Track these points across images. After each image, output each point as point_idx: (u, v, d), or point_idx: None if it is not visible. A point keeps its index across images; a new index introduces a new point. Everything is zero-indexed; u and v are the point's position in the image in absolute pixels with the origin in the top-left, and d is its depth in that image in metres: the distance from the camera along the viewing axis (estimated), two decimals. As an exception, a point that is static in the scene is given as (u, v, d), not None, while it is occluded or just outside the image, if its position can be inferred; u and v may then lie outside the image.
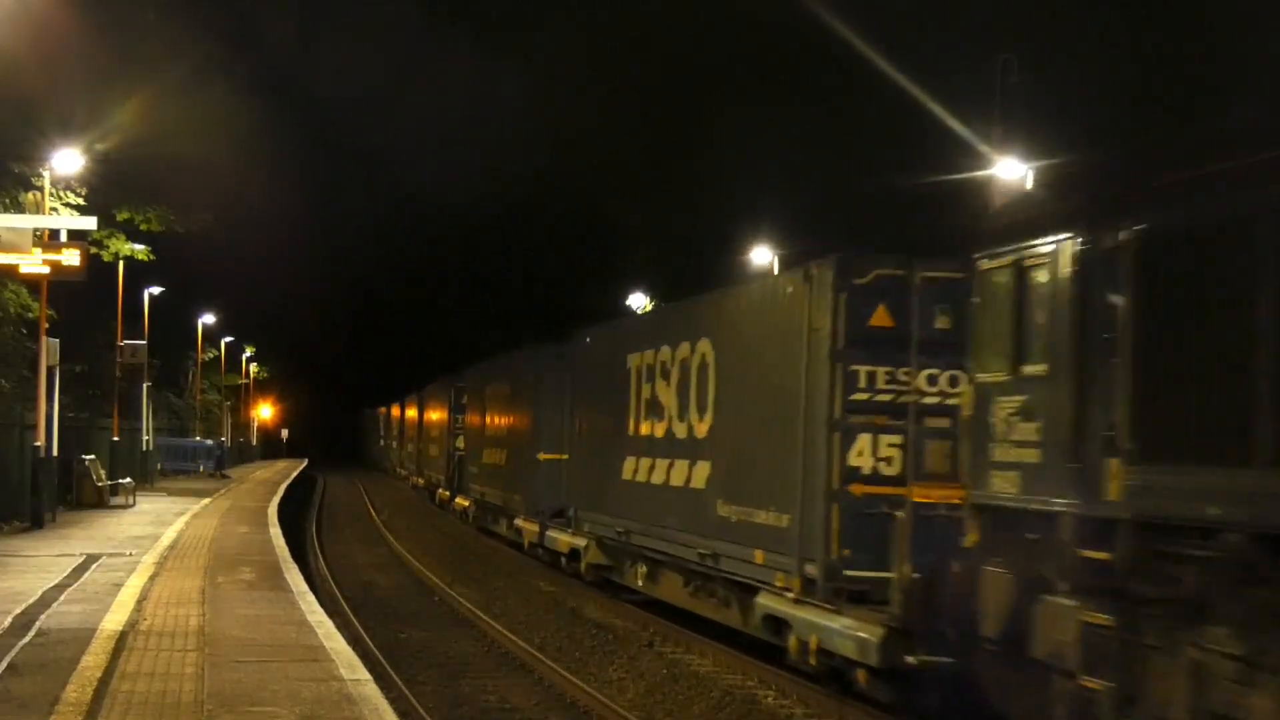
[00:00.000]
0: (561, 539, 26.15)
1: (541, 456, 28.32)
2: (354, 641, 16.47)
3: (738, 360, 17.67)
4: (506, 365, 34.31)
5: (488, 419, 35.84)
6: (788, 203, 50.74)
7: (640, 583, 21.71)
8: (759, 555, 16.20)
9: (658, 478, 20.29)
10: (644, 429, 21.08)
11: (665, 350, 20.38)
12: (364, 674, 12.39)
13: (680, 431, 19.46)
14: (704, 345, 18.76)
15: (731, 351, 17.91)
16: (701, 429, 18.63)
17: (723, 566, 17.54)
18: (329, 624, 15.55)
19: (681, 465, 19.28)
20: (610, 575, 23.73)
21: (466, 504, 40.09)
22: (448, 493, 46.01)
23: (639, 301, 56.06)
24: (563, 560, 26.33)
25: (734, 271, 42.24)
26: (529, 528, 29.08)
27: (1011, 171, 25.69)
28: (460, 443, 43.24)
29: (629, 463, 21.70)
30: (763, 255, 42.95)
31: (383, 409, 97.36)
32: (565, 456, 26.96)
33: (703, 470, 18.51)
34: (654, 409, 20.63)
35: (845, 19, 36.84)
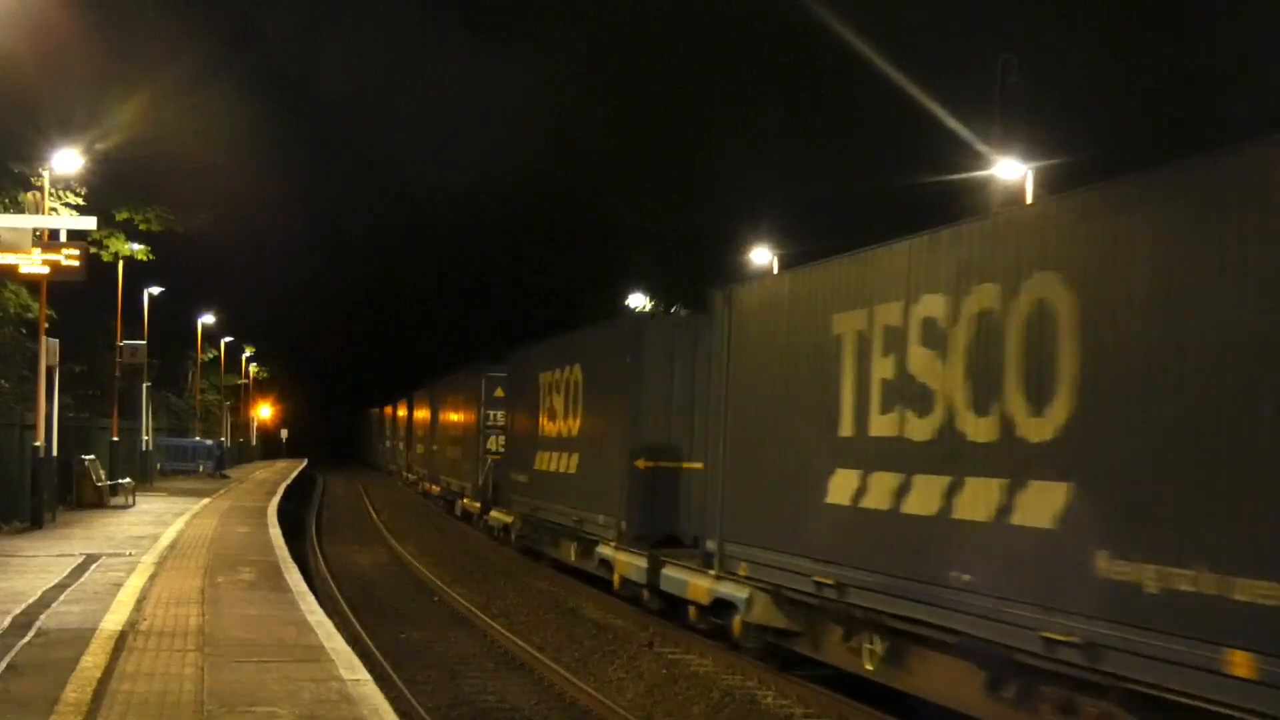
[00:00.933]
0: (697, 584, 18.38)
1: (641, 464, 21.54)
2: (354, 641, 16.47)
3: (1163, 294, 10.24)
4: (579, 344, 26.71)
5: (544, 415, 28.10)
6: (788, 203, 50.83)
7: (869, 665, 14.44)
8: (1240, 661, 9.28)
9: (919, 505, 13.12)
10: (878, 426, 14.03)
11: (932, 301, 13.14)
12: (364, 674, 12.37)
13: (978, 430, 12.31)
14: (1041, 282, 11.50)
15: (1117, 288, 10.67)
16: (1041, 427, 11.48)
17: (1113, 667, 10.44)
18: (329, 624, 15.53)
19: (982, 487, 12.18)
20: (790, 644, 16.45)
21: (508, 519, 32.24)
22: (478, 504, 38.15)
23: (638, 301, 56.07)
24: (691, 611, 18.89)
25: (736, 271, 42.26)
26: (628, 561, 21.40)
27: (1011, 171, 25.70)
28: (495, 444, 36.75)
29: (841, 479, 14.61)
30: (762, 255, 42.96)
31: (389, 408, 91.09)
32: (694, 465, 20.40)
33: (1049, 496, 11.26)
34: (903, 393, 13.65)
35: (846, 19, 36.89)
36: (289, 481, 56.15)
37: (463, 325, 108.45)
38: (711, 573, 17.83)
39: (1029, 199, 24.08)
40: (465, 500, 41.31)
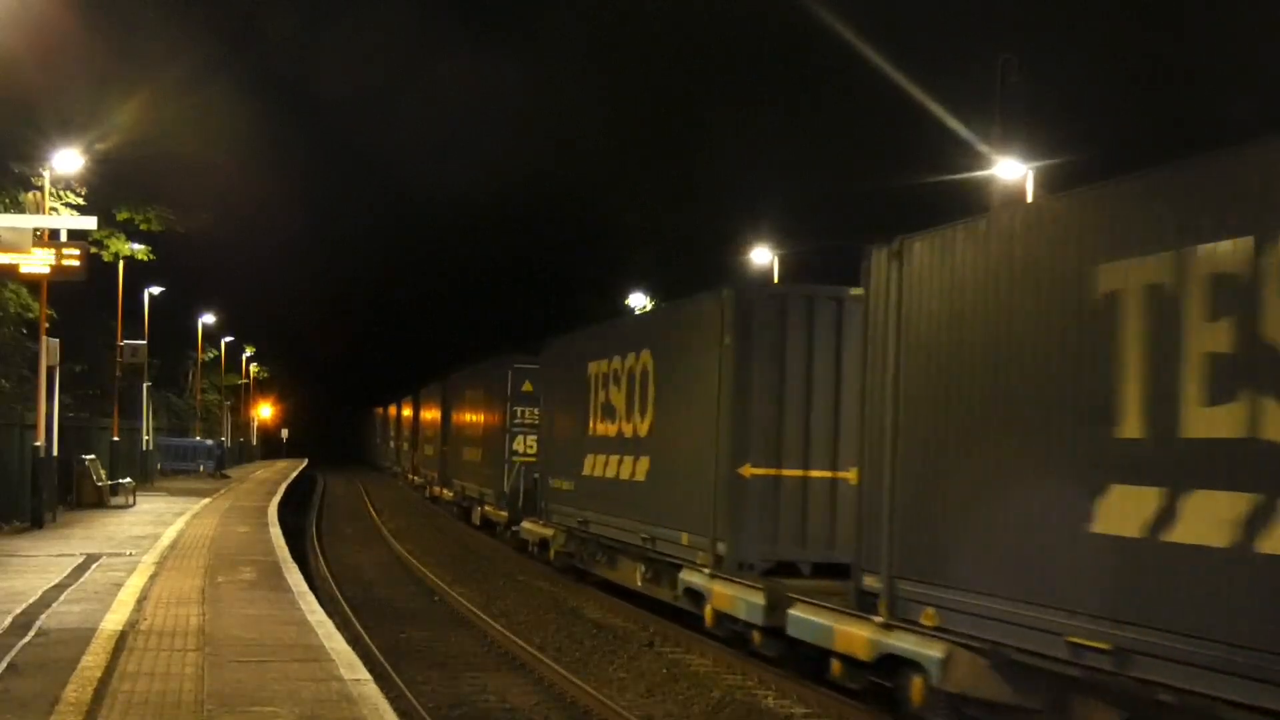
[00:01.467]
0: (852, 632, 13.80)
1: (747, 472, 17.49)
2: (354, 641, 16.48)
3: None
4: (649, 326, 23.27)
5: (596, 412, 24.12)
6: (788, 203, 50.90)
7: None
8: None
9: None
10: (1202, 422, 9.70)
11: None
12: (364, 674, 12.38)
13: None
14: None
15: None
16: None
17: None
18: (329, 624, 15.54)
19: None
20: None
21: (546, 533, 27.68)
22: (504, 514, 34.08)
23: (639, 301, 56.09)
24: (835, 665, 14.35)
25: (735, 271, 42.24)
26: (732, 595, 17.10)
27: (1011, 171, 25.71)
28: (524, 445, 33.28)
29: (1122, 499, 10.28)
30: (763, 255, 42.96)
31: (392, 407, 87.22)
32: (818, 473, 17.17)
33: None
34: (1257, 373, 9.33)
35: (846, 19, 36.90)
36: (289, 481, 56.18)
37: (463, 325, 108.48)
38: (876, 619, 13.32)
39: (1029, 200, 24.06)
40: (487, 508, 36.52)
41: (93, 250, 32.02)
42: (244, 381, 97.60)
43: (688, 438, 19.37)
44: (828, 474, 17.08)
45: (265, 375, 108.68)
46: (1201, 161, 10.14)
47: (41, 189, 30.18)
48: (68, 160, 30.25)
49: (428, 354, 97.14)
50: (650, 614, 21.14)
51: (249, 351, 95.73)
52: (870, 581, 13.56)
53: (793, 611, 15.19)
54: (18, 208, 30.49)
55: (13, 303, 32.67)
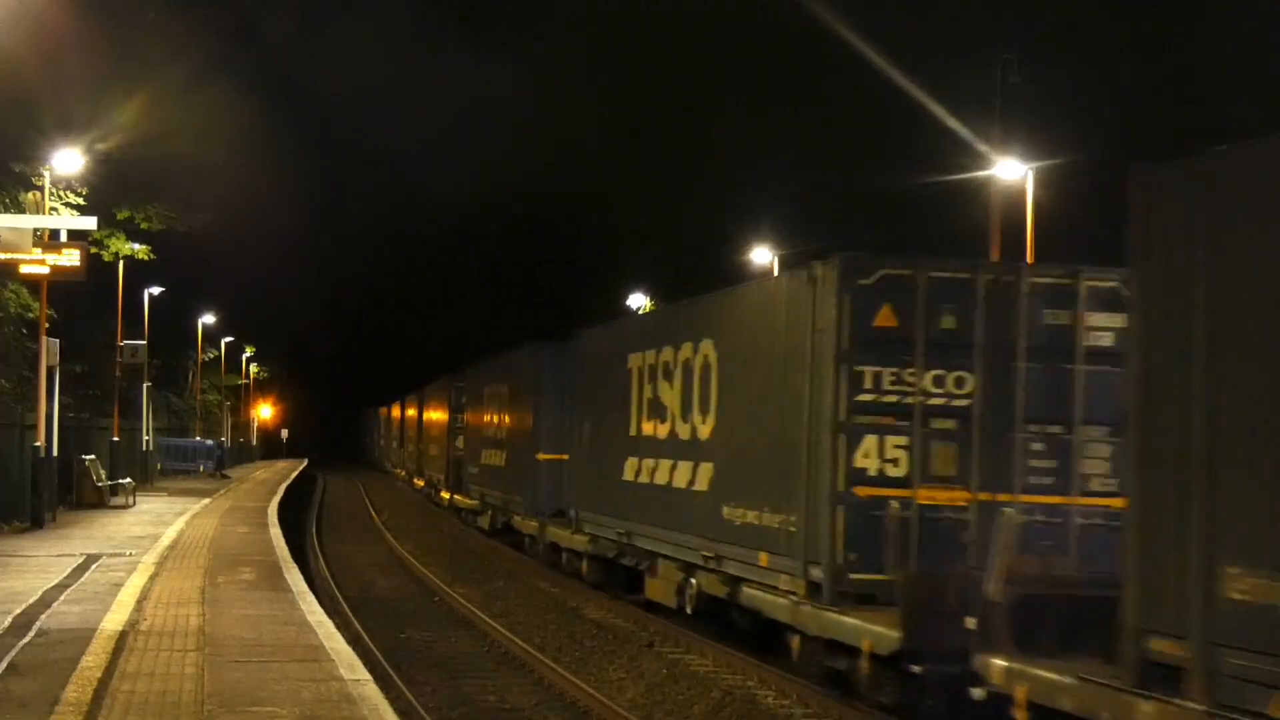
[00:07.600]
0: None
1: (860, 491, 14.47)
2: (354, 641, 16.48)
3: None
4: (710, 311, 19.09)
5: (640, 410, 21.13)
6: (788, 203, 50.92)
7: None
8: None
9: None
10: None
11: None
12: (364, 674, 12.38)
13: None
14: None
15: None
16: None
17: None
18: (329, 624, 15.54)
19: None
20: None
21: (579, 545, 24.99)
22: (534, 524, 29.31)
23: (639, 301, 56.12)
24: None
25: (735, 271, 42.24)
26: (860, 627, 13.78)
27: (1011, 171, 25.72)
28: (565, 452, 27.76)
29: None
30: (763, 255, 42.97)
31: (395, 407, 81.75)
32: (983, 496, 14.16)
33: None
34: None
35: (846, 20, 36.91)
36: (289, 482, 56.16)
37: (463, 325, 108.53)
38: (1190, 705, 8.91)
39: (1029, 199, 24.09)
40: (515, 517, 31.79)
41: (93, 250, 32.00)
42: (244, 381, 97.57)
43: (765, 442, 16.32)
44: (961, 494, 14.22)
45: (265, 375, 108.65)
46: None
47: (41, 189, 30.18)
48: (68, 160, 30.23)
49: (429, 354, 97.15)
50: (650, 614, 21.12)
51: (249, 351, 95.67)
52: (1164, 648, 9.43)
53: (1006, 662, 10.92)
54: (18, 208, 30.49)
55: (13, 303, 32.66)
